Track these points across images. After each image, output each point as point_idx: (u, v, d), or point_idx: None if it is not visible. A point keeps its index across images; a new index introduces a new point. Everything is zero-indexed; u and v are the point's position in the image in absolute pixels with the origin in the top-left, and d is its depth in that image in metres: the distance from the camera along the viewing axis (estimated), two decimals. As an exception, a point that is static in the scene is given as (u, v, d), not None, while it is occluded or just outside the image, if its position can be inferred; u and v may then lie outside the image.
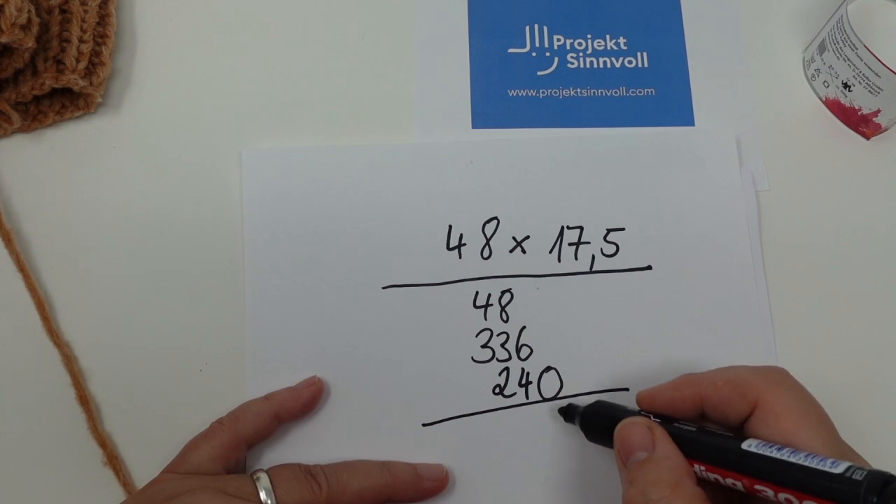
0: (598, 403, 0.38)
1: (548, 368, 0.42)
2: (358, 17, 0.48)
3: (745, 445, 0.30)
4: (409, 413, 0.41)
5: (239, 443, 0.38)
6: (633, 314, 0.43)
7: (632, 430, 0.33)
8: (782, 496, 0.29)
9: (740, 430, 0.33)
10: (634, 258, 0.44)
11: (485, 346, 0.42)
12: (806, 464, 0.28)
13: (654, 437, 0.32)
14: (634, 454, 0.32)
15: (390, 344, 0.42)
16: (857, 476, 0.27)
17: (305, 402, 0.40)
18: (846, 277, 0.45)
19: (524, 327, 0.43)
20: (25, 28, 0.41)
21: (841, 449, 0.30)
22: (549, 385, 0.42)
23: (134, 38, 0.47)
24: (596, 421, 0.37)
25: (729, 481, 0.31)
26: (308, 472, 0.37)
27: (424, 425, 0.41)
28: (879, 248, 0.45)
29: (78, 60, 0.43)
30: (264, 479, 0.36)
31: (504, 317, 0.43)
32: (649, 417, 0.35)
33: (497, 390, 0.42)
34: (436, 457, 0.40)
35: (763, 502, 0.30)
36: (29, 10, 0.41)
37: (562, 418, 0.40)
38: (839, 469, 0.27)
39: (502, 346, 0.42)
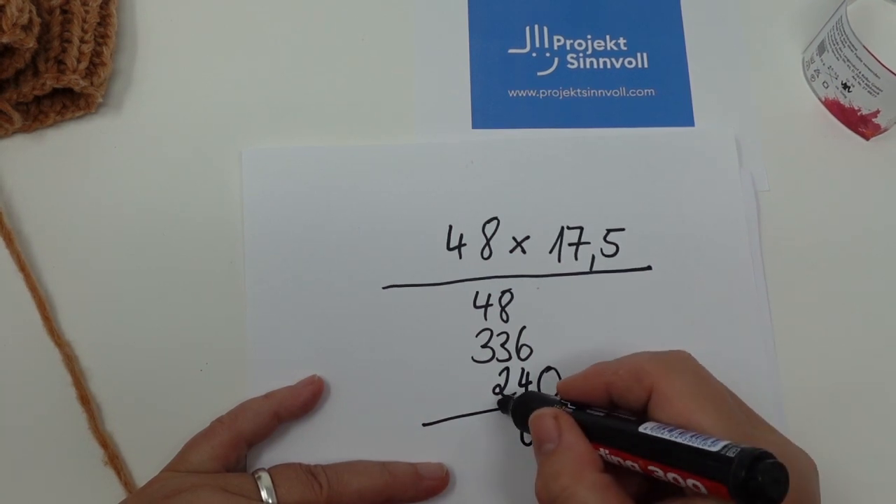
0: (526, 394, 0.40)
1: (548, 368, 0.42)
2: (358, 18, 0.48)
3: (641, 428, 0.31)
4: (409, 413, 0.41)
5: (239, 441, 0.38)
6: (633, 314, 0.43)
7: (541, 422, 0.34)
8: (670, 475, 0.30)
9: (645, 416, 0.33)
10: (634, 258, 0.44)
11: (485, 346, 0.42)
12: (688, 443, 0.29)
13: (560, 427, 0.33)
14: (544, 445, 0.33)
15: (390, 344, 0.42)
16: (731, 453, 0.28)
17: (305, 400, 0.40)
18: (846, 277, 0.45)
19: (524, 327, 0.43)
20: (26, 28, 0.41)
21: (736, 426, 0.31)
22: (549, 385, 0.42)
23: (135, 38, 0.47)
24: (520, 410, 0.38)
25: (629, 464, 0.31)
26: (309, 472, 0.37)
27: (424, 425, 0.41)
28: (879, 248, 0.45)
29: (79, 61, 0.43)
30: (266, 479, 0.36)
31: (504, 317, 0.43)
32: (567, 405, 0.35)
33: (497, 390, 0.42)
34: (436, 457, 0.40)
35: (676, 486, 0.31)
36: (30, 11, 0.41)
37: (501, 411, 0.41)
38: (716, 447, 0.28)
39: (502, 346, 0.42)
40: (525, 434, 0.41)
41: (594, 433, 0.33)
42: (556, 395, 0.37)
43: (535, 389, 0.42)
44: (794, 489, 0.27)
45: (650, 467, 0.30)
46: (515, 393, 0.42)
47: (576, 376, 0.36)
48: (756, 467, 0.27)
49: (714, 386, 0.33)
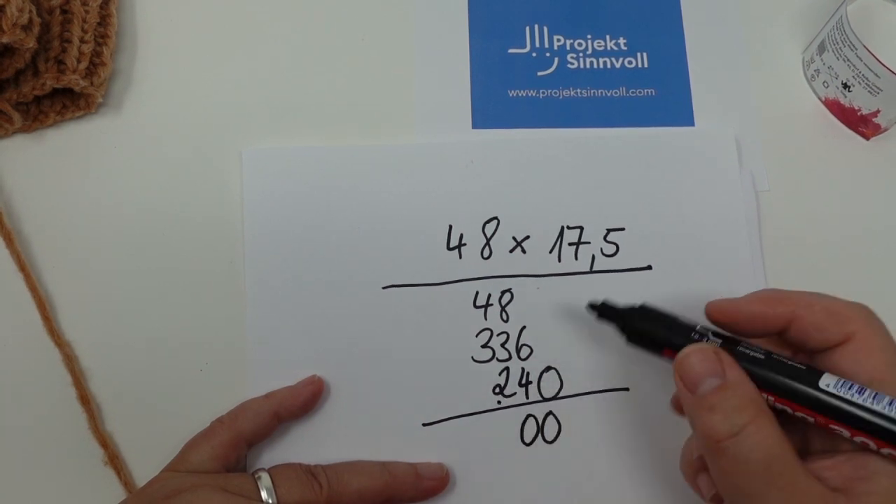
0: (644, 308, 0.37)
1: (548, 368, 0.42)
2: (358, 18, 0.48)
3: (822, 383, 0.30)
4: (409, 413, 0.41)
5: (239, 441, 0.38)
6: (633, 314, 0.43)
7: (698, 358, 0.31)
8: (858, 439, 0.29)
9: (815, 359, 0.32)
10: (634, 258, 0.44)
11: (485, 346, 0.42)
12: (890, 413, 0.28)
13: (723, 363, 0.31)
14: (704, 380, 0.31)
15: (390, 344, 0.42)
16: None
17: (305, 400, 0.40)
18: (846, 277, 0.45)
19: (524, 327, 0.43)
20: (26, 28, 0.41)
21: None
22: (549, 385, 0.42)
23: (135, 38, 0.47)
24: (640, 327, 0.36)
25: (800, 415, 0.30)
26: (309, 472, 0.37)
27: (424, 425, 0.41)
28: (879, 247, 0.45)
29: (79, 61, 0.43)
30: (266, 479, 0.36)
31: (504, 317, 0.43)
32: (706, 339, 0.33)
33: (497, 390, 0.42)
34: (436, 457, 0.40)
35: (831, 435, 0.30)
36: (30, 11, 0.41)
37: (595, 314, 0.38)
38: None
39: (502, 345, 0.42)
40: (525, 433, 0.41)
41: (758, 376, 0.31)
42: (706, 317, 0.34)
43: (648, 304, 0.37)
44: None
45: (832, 426, 0.30)
46: (521, 335, 0.41)
47: (747, 300, 0.34)
48: None
49: None
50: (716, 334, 0.34)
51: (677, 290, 0.43)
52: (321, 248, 0.43)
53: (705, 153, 0.45)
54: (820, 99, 0.48)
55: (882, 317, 0.44)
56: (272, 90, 0.46)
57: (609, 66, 0.48)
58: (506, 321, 0.43)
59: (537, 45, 0.48)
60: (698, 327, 0.34)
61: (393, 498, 0.39)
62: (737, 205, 0.45)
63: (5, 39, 0.40)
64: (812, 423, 0.31)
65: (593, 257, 0.44)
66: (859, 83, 0.45)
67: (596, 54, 0.48)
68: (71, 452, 0.40)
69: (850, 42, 0.44)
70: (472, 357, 0.42)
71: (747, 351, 0.32)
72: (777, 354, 0.32)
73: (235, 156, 0.45)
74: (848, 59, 0.45)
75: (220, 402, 0.40)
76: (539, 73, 0.48)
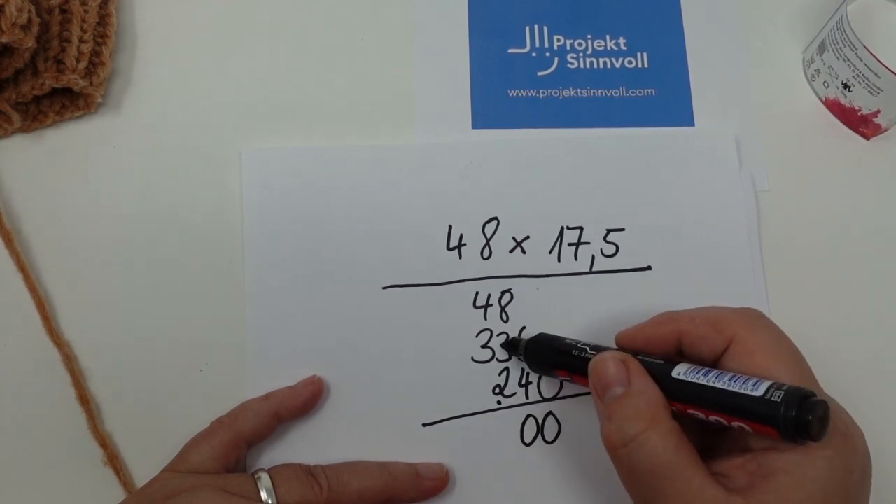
0: (542, 336, 0.40)
1: (548, 368, 0.42)
2: (358, 17, 0.48)
3: (674, 373, 0.32)
4: (409, 413, 0.41)
5: (239, 442, 0.38)
6: (633, 314, 0.43)
7: (607, 366, 0.33)
8: (713, 419, 0.30)
9: (715, 367, 0.33)
10: (634, 258, 0.44)
11: (485, 346, 0.42)
12: (730, 388, 0.30)
13: (630, 370, 0.33)
14: (611, 389, 0.33)
15: (390, 344, 0.42)
16: (776, 397, 0.29)
17: (305, 400, 0.40)
18: (846, 277, 0.45)
19: (524, 327, 0.43)
20: (26, 28, 0.41)
21: (811, 386, 0.31)
22: (549, 385, 0.42)
23: (134, 38, 0.47)
24: (537, 353, 0.39)
25: (691, 412, 0.32)
26: (309, 473, 0.37)
27: (424, 425, 0.41)
28: (879, 247, 0.45)
29: (78, 60, 0.43)
30: (265, 479, 0.36)
31: (504, 317, 0.43)
32: (587, 350, 0.36)
33: (497, 390, 0.42)
34: (436, 457, 0.40)
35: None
36: (29, 10, 0.41)
37: (507, 353, 0.42)
38: (760, 391, 0.29)
39: (502, 346, 0.42)
40: (525, 433, 0.41)
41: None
42: (616, 346, 0.36)
43: (553, 334, 0.41)
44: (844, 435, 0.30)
45: (689, 411, 0.31)
46: (521, 334, 0.42)
47: (642, 325, 0.36)
48: (802, 406, 0.28)
49: (792, 345, 0.33)
50: (594, 348, 0.36)
51: (677, 290, 0.43)
52: (321, 248, 0.43)
53: (705, 153, 0.45)
54: (820, 99, 0.48)
55: (882, 316, 0.45)
56: (271, 90, 0.46)
57: (609, 66, 0.48)
58: (506, 321, 0.43)
59: (537, 44, 0.48)
60: (579, 345, 0.37)
61: (393, 498, 0.39)
62: (737, 205, 0.45)
63: (4, 39, 0.40)
64: (719, 423, 0.31)
65: (593, 258, 0.44)
66: (859, 83, 0.45)
67: (596, 54, 0.48)
68: (70, 452, 0.40)
69: (851, 42, 0.44)
70: (472, 357, 0.42)
71: (643, 358, 0.34)
72: (644, 355, 0.34)
73: (235, 155, 0.45)
74: (848, 59, 0.45)
75: (220, 402, 0.39)
76: (539, 73, 0.47)
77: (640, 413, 0.31)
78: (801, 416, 0.28)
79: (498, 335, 0.42)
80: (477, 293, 0.43)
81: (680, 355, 0.35)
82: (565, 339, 0.39)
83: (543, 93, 0.47)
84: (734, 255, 0.44)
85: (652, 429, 0.31)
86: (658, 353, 0.35)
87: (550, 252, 0.44)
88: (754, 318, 0.33)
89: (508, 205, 0.44)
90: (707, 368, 0.31)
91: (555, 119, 0.47)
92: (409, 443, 0.41)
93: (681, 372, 0.32)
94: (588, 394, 0.42)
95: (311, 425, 0.41)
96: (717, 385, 0.30)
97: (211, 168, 0.45)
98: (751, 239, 0.44)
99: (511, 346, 0.41)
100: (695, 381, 0.31)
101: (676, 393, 0.32)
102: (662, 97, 0.47)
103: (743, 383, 0.30)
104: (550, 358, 0.39)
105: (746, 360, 0.32)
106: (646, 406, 0.31)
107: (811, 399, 0.29)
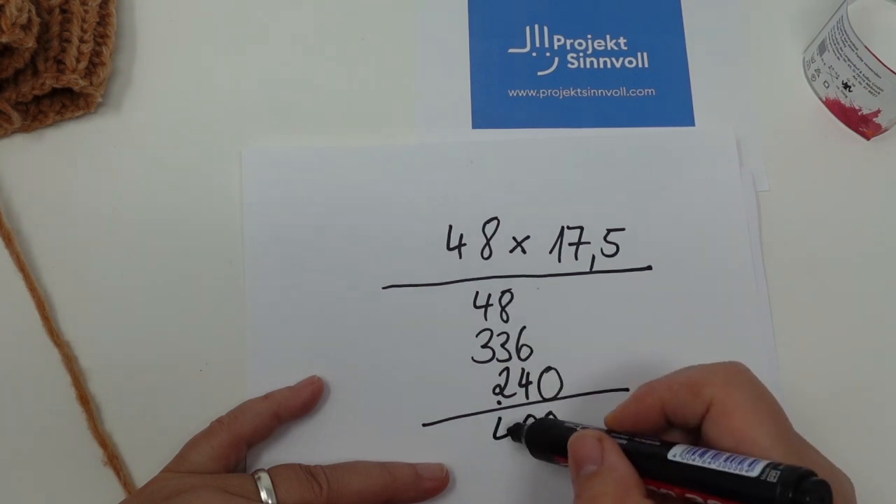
0: (542, 421, 0.40)
1: (548, 368, 0.42)
2: (358, 18, 0.48)
3: (670, 455, 0.31)
4: (409, 413, 0.41)
5: (239, 442, 0.38)
6: (633, 314, 0.43)
7: (582, 444, 0.33)
8: (711, 502, 0.29)
9: (700, 435, 0.33)
10: (634, 258, 0.44)
11: (485, 346, 0.42)
12: (725, 469, 0.29)
13: (604, 448, 0.32)
14: (584, 467, 0.32)
15: (390, 344, 0.42)
16: (772, 478, 0.27)
17: (305, 400, 0.40)
18: (846, 277, 0.45)
19: (524, 327, 0.43)
20: (26, 28, 0.41)
21: (791, 444, 0.30)
22: (549, 385, 0.42)
23: (134, 38, 0.47)
24: (537, 437, 0.38)
25: (663, 491, 0.31)
26: (309, 473, 0.37)
27: (424, 425, 0.41)
28: (879, 247, 0.45)
29: (78, 60, 0.43)
30: (265, 479, 0.36)
31: (504, 317, 0.43)
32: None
33: (497, 390, 0.42)
34: (436, 457, 0.40)
35: None
36: (29, 10, 0.41)
37: (511, 438, 0.41)
38: (755, 471, 0.28)
39: (502, 346, 0.42)
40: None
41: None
42: (605, 428, 0.35)
43: (552, 417, 0.41)
44: None
45: (688, 495, 0.30)
46: (527, 420, 0.41)
47: (626, 403, 0.35)
48: (799, 488, 0.27)
49: (772, 401, 0.32)
50: (621, 434, 0.34)
51: (677, 290, 0.43)
52: (321, 247, 0.43)
53: (705, 153, 0.45)
54: (820, 99, 0.48)
55: (882, 317, 0.45)
56: (272, 90, 0.46)
57: (609, 65, 0.48)
58: (506, 321, 0.43)
59: (537, 44, 0.48)
60: (578, 428, 0.35)
61: (393, 498, 0.38)
62: (737, 205, 0.45)
63: (5, 39, 0.40)
64: (679, 499, 0.31)
65: (593, 257, 0.44)
66: (860, 83, 0.45)
67: (596, 54, 0.48)
68: (70, 452, 0.40)
69: (851, 42, 0.44)
70: (472, 357, 0.42)
71: (625, 439, 0.33)
72: (639, 437, 0.33)
73: (235, 156, 0.45)
74: (848, 59, 0.45)
75: (220, 402, 0.39)
76: (539, 73, 0.47)
77: (608, 491, 0.31)
78: (797, 498, 0.27)
79: (498, 335, 0.42)
80: (477, 293, 0.43)
81: (671, 427, 0.34)
82: (565, 422, 0.38)
83: (543, 93, 0.47)
84: (734, 255, 0.44)
85: None
86: (649, 427, 0.34)
87: (551, 252, 0.44)
88: (731, 376, 0.32)
89: (509, 204, 0.44)
90: (703, 449, 0.30)
91: (555, 119, 0.47)
92: (409, 443, 0.41)
93: (676, 454, 0.31)
94: (588, 394, 0.42)
95: (311, 425, 0.41)
96: (713, 466, 0.29)
97: (211, 168, 0.45)
98: (751, 239, 0.44)
99: (514, 432, 0.40)
100: (690, 462, 0.30)
101: (673, 476, 0.31)
102: (662, 97, 0.47)
103: (738, 463, 0.29)
104: (548, 444, 0.37)
105: (724, 421, 0.31)
106: (615, 485, 0.31)
107: (809, 480, 0.27)
